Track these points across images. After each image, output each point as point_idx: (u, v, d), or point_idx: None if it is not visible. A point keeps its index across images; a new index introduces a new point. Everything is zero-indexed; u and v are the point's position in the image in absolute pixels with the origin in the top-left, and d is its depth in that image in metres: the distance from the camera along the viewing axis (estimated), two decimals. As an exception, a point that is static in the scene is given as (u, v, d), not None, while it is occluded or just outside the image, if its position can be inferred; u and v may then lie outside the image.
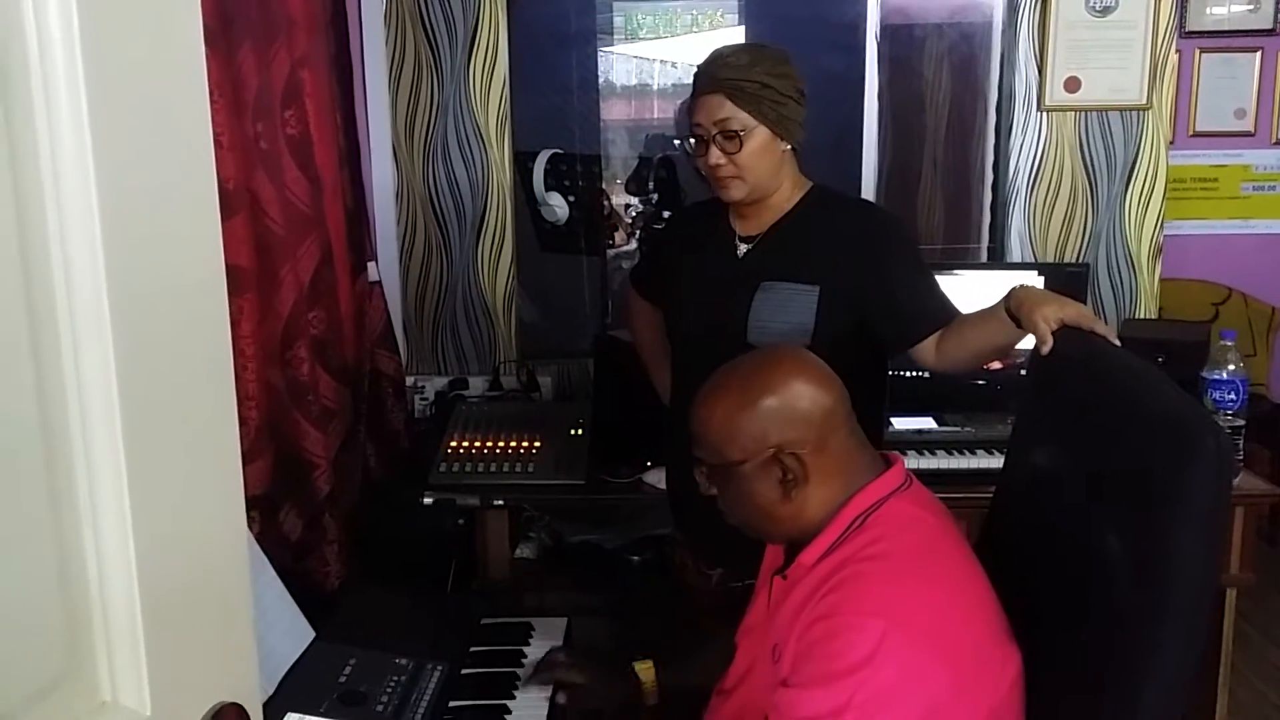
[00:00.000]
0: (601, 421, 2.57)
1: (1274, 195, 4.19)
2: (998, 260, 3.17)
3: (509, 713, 1.67)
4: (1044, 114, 3.07)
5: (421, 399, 3.00)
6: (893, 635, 1.21)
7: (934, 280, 1.89)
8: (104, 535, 0.80)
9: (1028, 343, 1.60)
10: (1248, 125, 4.13)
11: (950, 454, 2.45)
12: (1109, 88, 3.04)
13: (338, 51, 2.48)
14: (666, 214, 2.89)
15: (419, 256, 3.11)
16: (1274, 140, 4.15)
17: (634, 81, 4.17)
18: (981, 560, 1.39)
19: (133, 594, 0.81)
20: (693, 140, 1.89)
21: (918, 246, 1.98)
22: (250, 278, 1.80)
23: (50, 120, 0.75)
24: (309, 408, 2.01)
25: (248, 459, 1.77)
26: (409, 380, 2.93)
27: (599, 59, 3.92)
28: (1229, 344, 2.28)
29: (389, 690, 1.62)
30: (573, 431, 2.59)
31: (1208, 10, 4.03)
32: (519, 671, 1.77)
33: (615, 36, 4.06)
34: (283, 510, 1.96)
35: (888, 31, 3.31)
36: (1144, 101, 3.04)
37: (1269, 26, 4.04)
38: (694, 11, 4.14)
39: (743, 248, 1.95)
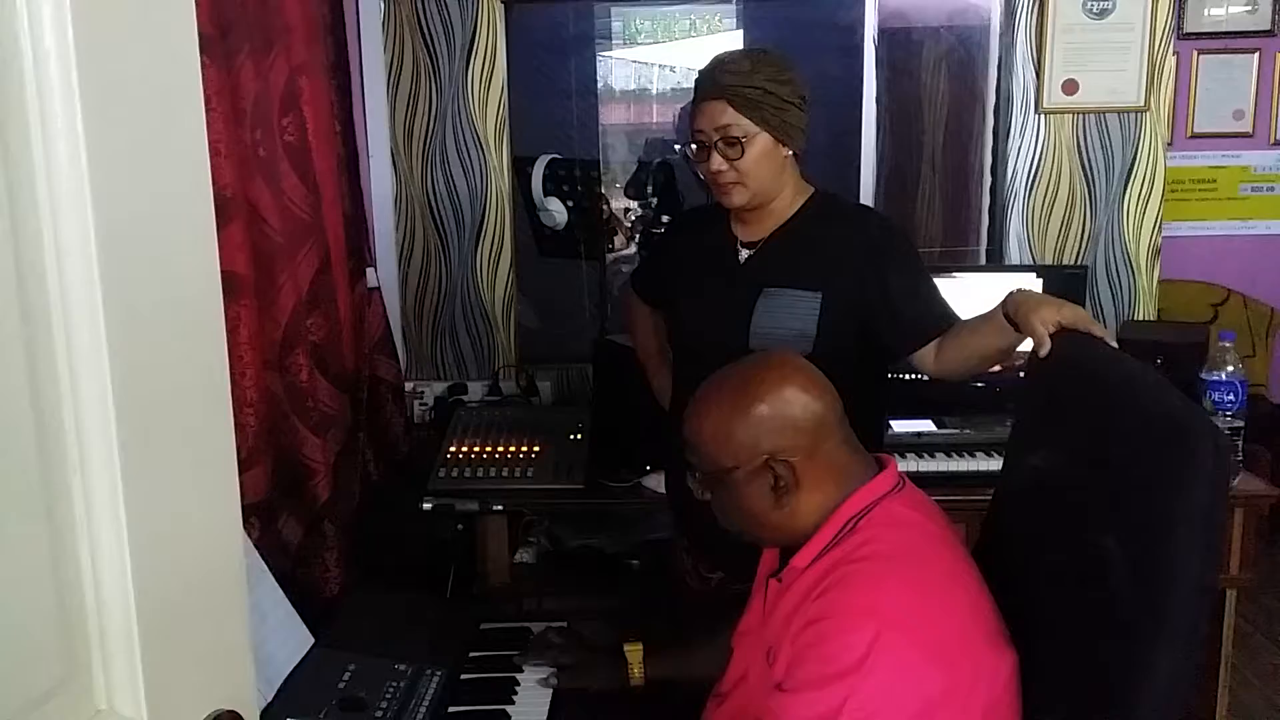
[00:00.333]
0: (601, 426, 2.57)
1: (1272, 196, 4.19)
2: (996, 262, 3.17)
3: (508, 718, 1.67)
4: (1042, 116, 3.07)
5: (421, 404, 3.00)
6: (885, 637, 1.21)
7: (934, 286, 1.90)
8: (99, 542, 0.80)
9: (1026, 346, 1.60)
10: (1246, 126, 4.13)
11: (949, 456, 2.45)
12: (1107, 90, 3.04)
13: (336, 59, 2.48)
14: (666, 218, 2.89)
15: (418, 262, 3.11)
16: (1272, 141, 4.15)
17: (633, 86, 4.18)
18: (980, 562, 1.40)
19: (128, 601, 0.81)
20: (694, 146, 1.88)
21: (918, 253, 1.98)
22: (249, 285, 1.80)
23: (45, 131, 0.75)
24: (308, 414, 2.01)
25: (246, 465, 1.77)
26: (408, 386, 2.93)
27: (597, 64, 3.93)
28: (1228, 345, 2.28)
29: (388, 696, 1.62)
30: (572, 436, 2.59)
31: (1205, 11, 4.03)
32: (519, 677, 1.77)
33: (614, 41, 4.07)
34: (282, 516, 1.96)
35: (886, 35, 3.31)
36: (1142, 103, 3.04)
37: (1267, 27, 4.05)
38: (692, 16, 4.15)
39: (744, 253, 1.95)
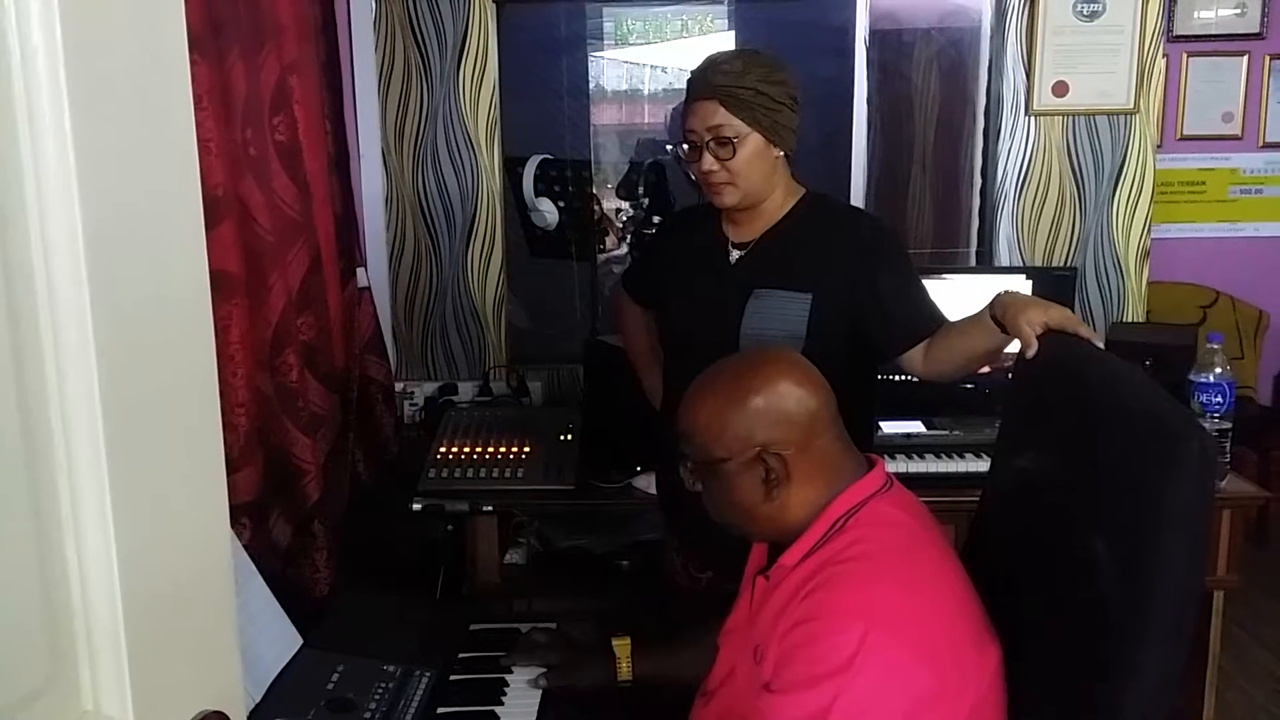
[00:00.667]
0: (591, 427, 2.57)
1: (1261, 198, 4.21)
2: (986, 264, 3.18)
3: (497, 719, 1.67)
4: (1032, 118, 3.08)
5: (411, 405, 3.00)
6: (874, 637, 1.21)
7: (923, 288, 1.90)
8: (86, 543, 0.80)
9: (1014, 347, 1.61)
10: (1235, 129, 4.15)
11: (938, 457, 2.46)
12: (1097, 92, 3.05)
13: (327, 58, 2.48)
14: (657, 219, 2.89)
15: (409, 262, 3.11)
16: (1261, 144, 4.17)
17: (624, 86, 4.18)
18: (968, 563, 1.40)
19: (115, 602, 0.81)
20: (686, 146, 1.89)
21: (908, 255, 1.98)
22: (239, 284, 1.80)
23: (33, 129, 0.74)
24: (298, 414, 2.01)
25: (237, 465, 1.77)
26: (398, 386, 2.92)
27: (589, 64, 3.93)
28: (1216, 347, 2.29)
29: (377, 697, 1.62)
30: (562, 437, 2.59)
31: (1195, 14, 4.05)
32: (508, 678, 1.77)
33: (605, 42, 4.06)
34: (272, 517, 1.95)
35: (877, 36, 3.32)
36: (1131, 105, 3.05)
37: (1256, 30, 4.07)
38: (684, 17, 4.15)
39: (735, 254, 1.95)
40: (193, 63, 0.93)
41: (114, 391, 0.79)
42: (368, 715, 1.58)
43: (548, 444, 2.56)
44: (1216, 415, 2.26)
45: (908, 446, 2.49)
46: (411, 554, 2.34)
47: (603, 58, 4.06)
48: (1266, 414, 4.06)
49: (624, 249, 3.04)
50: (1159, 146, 3.18)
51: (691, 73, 1.90)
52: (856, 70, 3.19)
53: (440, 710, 1.67)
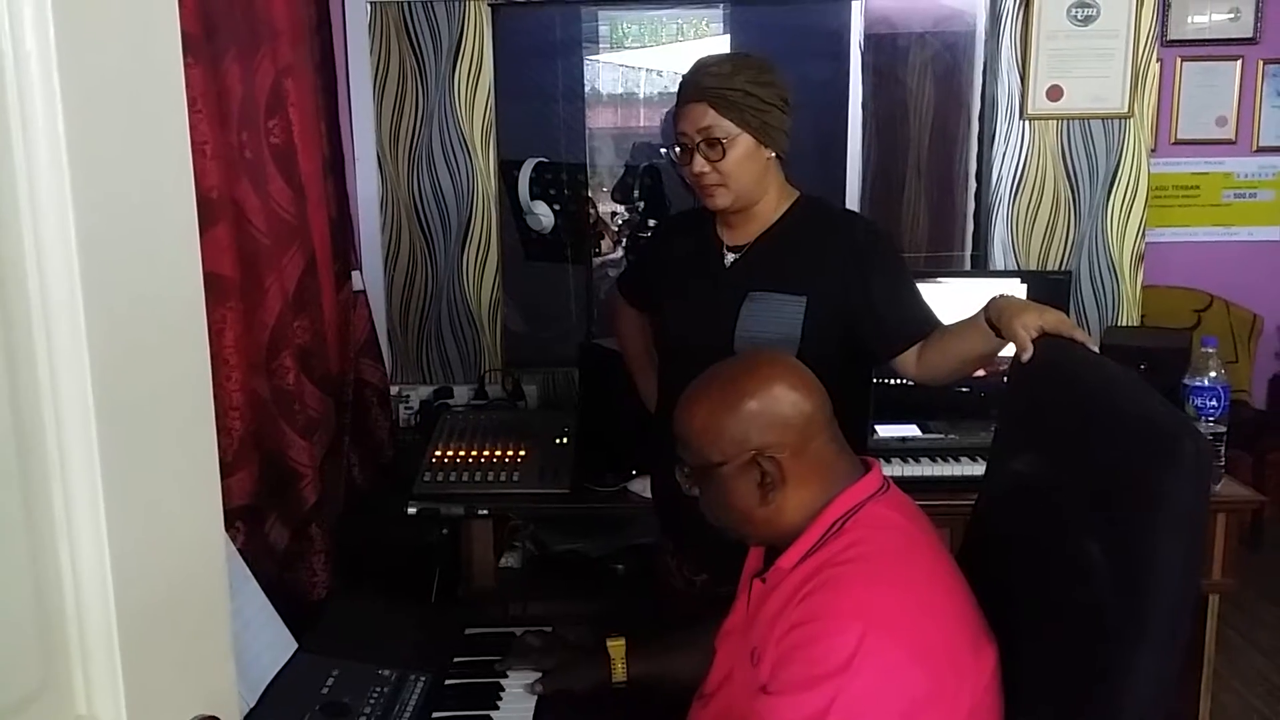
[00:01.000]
0: (587, 430, 2.57)
1: (1255, 203, 4.23)
2: (981, 268, 3.18)
3: (493, 723, 1.67)
4: (1026, 122, 3.08)
5: (406, 408, 3.00)
6: (871, 638, 1.22)
7: (917, 291, 1.90)
8: (79, 547, 0.79)
9: (1008, 351, 1.61)
10: (1229, 133, 4.17)
11: (934, 461, 2.46)
12: (1091, 96, 3.05)
13: (322, 60, 2.47)
14: (652, 222, 2.89)
15: (404, 265, 3.11)
16: (1255, 148, 4.18)
17: (620, 90, 4.18)
18: (964, 566, 1.40)
19: (108, 606, 0.81)
20: (678, 149, 1.89)
21: (902, 258, 1.99)
22: (234, 287, 1.80)
23: (26, 132, 0.74)
24: (294, 417, 2.00)
25: (232, 469, 1.76)
26: (393, 389, 2.92)
27: (585, 67, 3.93)
28: (1210, 351, 2.30)
29: (372, 701, 1.62)
30: (558, 440, 2.59)
31: (1189, 19, 4.07)
32: (503, 682, 1.77)
33: (601, 45, 4.06)
34: (268, 520, 1.95)
35: (871, 40, 3.33)
36: (1126, 110, 3.06)
37: (1249, 35, 4.08)
38: (679, 20, 4.15)
39: (730, 257, 1.95)
40: (187, 65, 0.93)
41: (107, 395, 0.79)
42: (363, 719, 1.58)
43: (543, 447, 2.56)
44: (1211, 419, 2.26)
45: (903, 450, 2.50)
46: (407, 558, 2.33)
47: (598, 61, 4.06)
48: (1261, 418, 4.07)
49: (619, 252, 3.04)
50: (1153, 151, 3.19)
51: (682, 77, 1.91)
52: (851, 74, 3.20)
53: (435, 715, 1.66)
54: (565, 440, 2.58)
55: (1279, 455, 3.91)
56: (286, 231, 2.03)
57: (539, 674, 1.76)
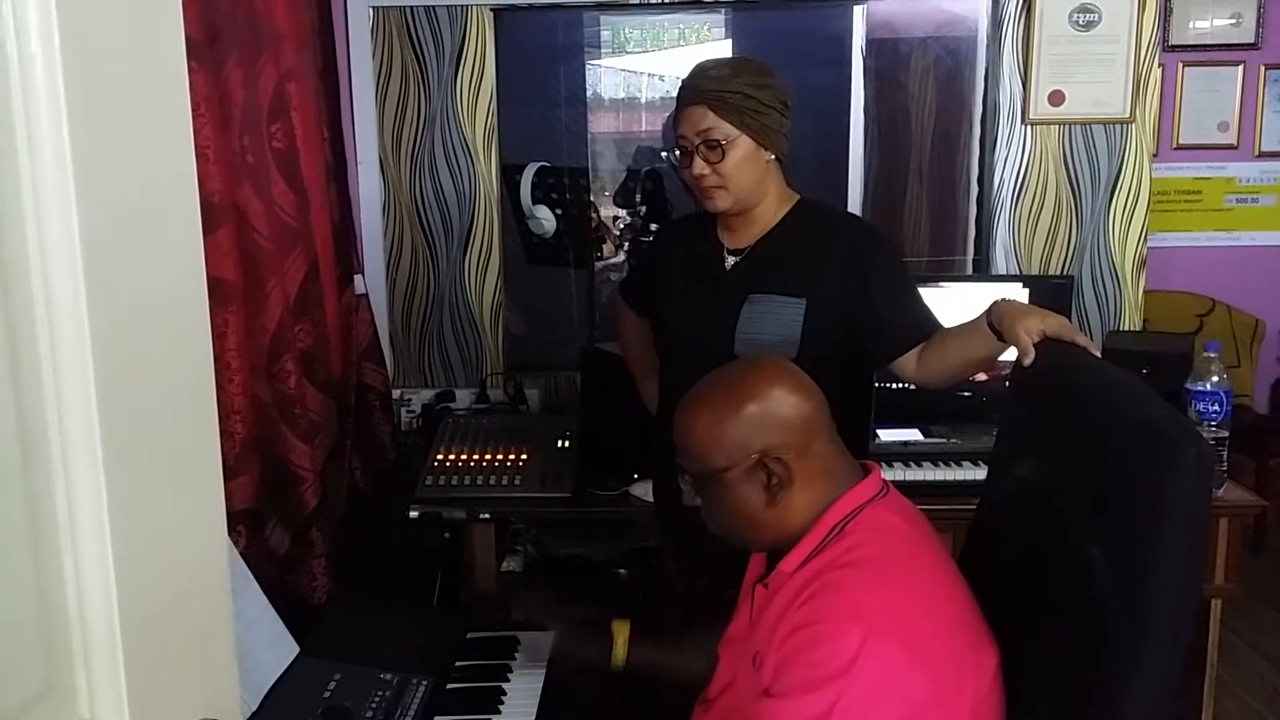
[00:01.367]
0: (588, 434, 2.57)
1: (1257, 207, 4.22)
2: (983, 272, 3.18)
3: (494, 727, 1.67)
4: (1028, 127, 3.09)
5: (408, 412, 3.00)
6: (873, 641, 1.22)
7: (917, 294, 1.91)
8: (82, 550, 0.80)
9: (1010, 355, 1.61)
10: (1230, 138, 4.16)
11: (936, 465, 2.46)
12: (1093, 101, 3.06)
13: (325, 65, 2.48)
14: (654, 226, 2.90)
15: (406, 269, 3.11)
16: (1256, 153, 4.18)
17: (621, 95, 4.19)
18: (966, 569, 1.40)
19: (112, 610, 0.81)
20: (678, 152, 1.90)
21: (903, 261, 1.99)
22: (236, 291, 1.80)
23: (31, 136, 0.75)
24: (296, 421, 2.00)
25: (234, 473, 1.76)
26: (395, 393, 2.92)
27: (587, 72, 3.93)
28: (1213, 355, 2.30)
29: (373, 705, 1.62)
30: (560, 444, 2.59)
31: (1190, 24, 4.07)
32: (505, 686, 1.76)
33: (603, 50, 4.07)
34: (269, 524, 1.95)
35: (873, 45, 3.33)
36: (1127, 115, 3.06)
37: (1251, 40, 4.08)
38: (681, 25, 4.16)
39: (730, 260, 1.96)
40: (190, 70, 0.93)
41: (111, 399, 0.79)
42: (364, 723, 1.58)
43: (545, 451, 2.56)
44: (1213, 423, 2.26)
45: (905, 454, 2.50)
46: (408, 561, 2.34)
47: (600, 66, 4.07)
48: (1263, 422, 4.07)
49: (621, 256, 3.05)
50: (1155, 156, 3.19)
51: (682, 81, 1.91)
52: (853, 79, 3.20)
53: (437, 718, 1.66)
54: (567, 444, 2.58)
55: (1281, 460, 3.90)
56: (289, 236, 2.03)
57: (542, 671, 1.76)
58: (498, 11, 3.04)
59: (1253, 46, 4.09)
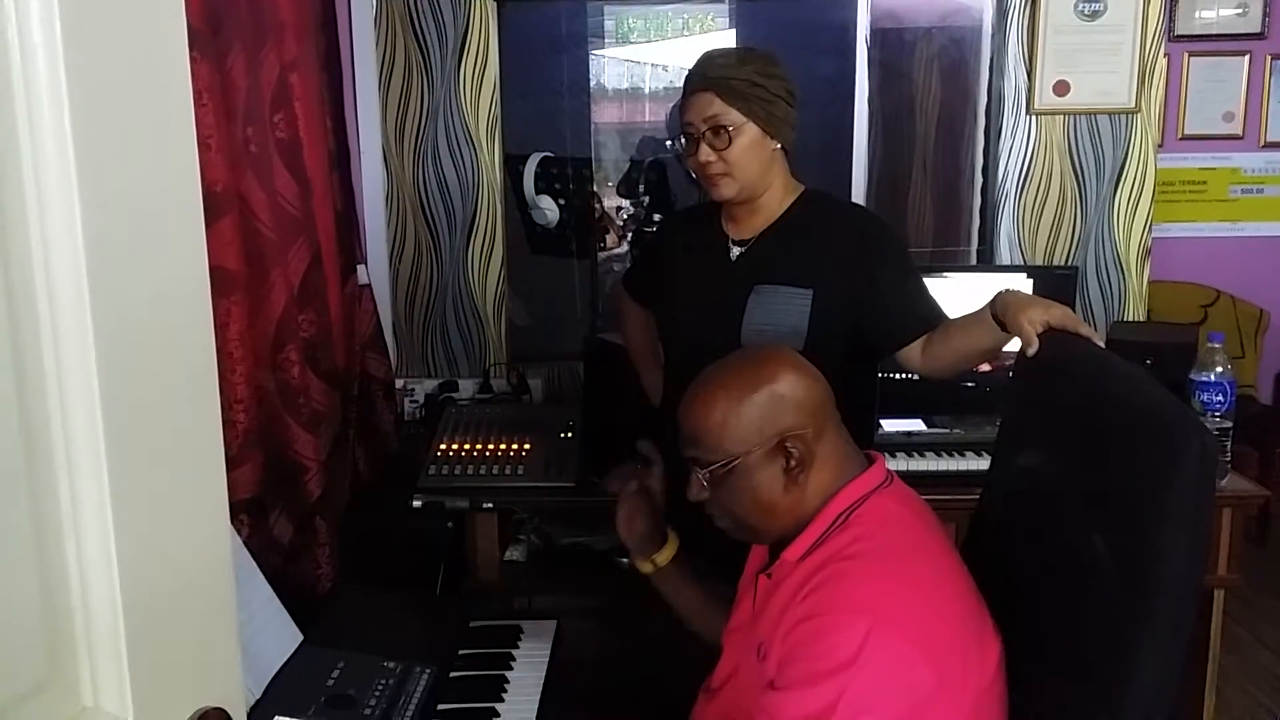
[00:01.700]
0: (591, 424, 2.57)
1: (1262, 198, 4.21)
2: (987, 263, 3.18)
3: (497, 715, 1.67)
4: (1033, 117, 3.08)
5: (411, 402, 3.00)
6: (877, 633, 1.22)
7: (922, 285, 1.90)
8: (85, 539, 0.80)
9: (1014, 346, 1.61)
10: (1236, 129, 4.15)
11: (939, 456, 2.46)
12: (1098, 91, 3.05)
13: (328, 55, 2.48)
14: (657, 217, 2.89)
15: (409, 259, 3.11)
16: (1262, 143, 4.16)
17: (625, 85, 4.18)
18: (969, 560, 1.40)
19: (114, 598, 0.81)
20: (683, 139, 1.90)
21: (907, 251, 1.99)
22: (240, 281, 1.80)
23: (33, 126, 0.74)
24: (299, 411, 2.01)
25: (238, 462, 1.77)
26: (399, 383, 2.92)
27: (590, 62, 3.93)
28: (1217, 346, 2.29)
29: (377, 693, 1.62)
30: (562, 434, 2.59)
31: (1196, 14, 4.05)
32: (507, 674, 1.77)
33: (606, 40, 4.06)
34: (273, 513, 1.95)
35: (878, 35, 3.32)
36: (1133, 105, 3.05)
37: (1257, 30, 4.06)
38: (685, 15, 4.15)
39: (736, 251, 1.95)
40: (193, 60, 0.93)
41: (113, 388, 0.79)
42: (368, 712, 1.58)
43: (548, 441, 2.56)
44: (1217, 414, 2.26)
45: (908, 444, 2.49)
46: (411, 551, 2.34)
47: (603, 56, 4.06)
48: (1267, 413, 4.06)
49: (624, 247, 3.04)
50: (1160, 146, 3.18)
51: (689, 69, 1.91)
52: (858, 69, 3.19)
53: (440, 707, 1.67)
54: (570, 434, 2.59)
55: (1285, 451, 3.90)
56: (292, 225, 2.03)
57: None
58: (501, 1, 3.03)
59: (1259, 36, 4.07)
